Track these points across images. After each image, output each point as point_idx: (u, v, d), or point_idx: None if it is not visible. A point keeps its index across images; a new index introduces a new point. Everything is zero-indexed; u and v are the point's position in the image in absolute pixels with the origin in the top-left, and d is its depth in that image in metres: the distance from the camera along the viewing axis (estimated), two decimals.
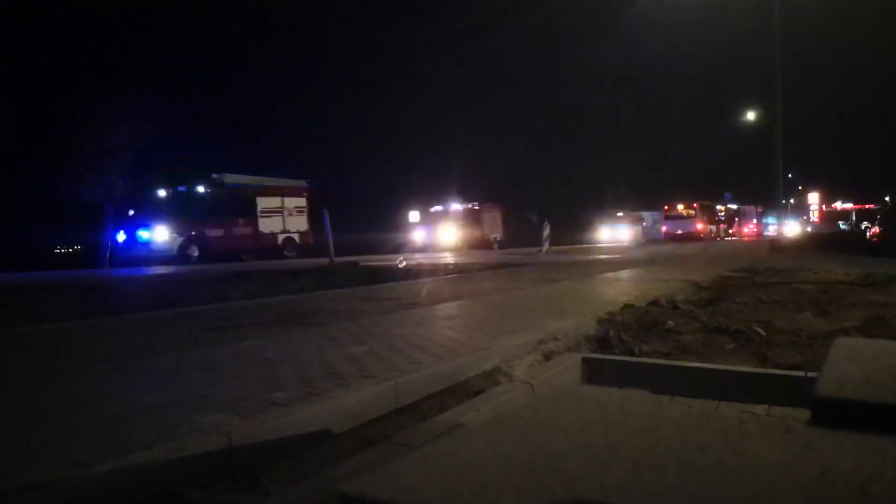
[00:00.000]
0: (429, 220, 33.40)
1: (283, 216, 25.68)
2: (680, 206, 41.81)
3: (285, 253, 24.79)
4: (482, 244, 32.13)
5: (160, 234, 21.45)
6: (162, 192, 23.34)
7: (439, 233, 31.49)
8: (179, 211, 21.96)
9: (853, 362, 1.34)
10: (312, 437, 2.32)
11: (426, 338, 3.93)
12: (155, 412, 2.32)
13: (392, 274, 11.39)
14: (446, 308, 5.58)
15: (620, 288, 7.36)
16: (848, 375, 1.24)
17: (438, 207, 33.76)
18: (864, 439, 0.89)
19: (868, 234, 24.30)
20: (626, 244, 31.47)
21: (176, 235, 21.53)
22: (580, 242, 34.10)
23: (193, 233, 21.97)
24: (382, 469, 0.87)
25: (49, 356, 3.68)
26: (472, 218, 33.26)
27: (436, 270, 12.19)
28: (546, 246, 20.09)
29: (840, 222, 61.16)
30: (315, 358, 3.34)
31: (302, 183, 26.98)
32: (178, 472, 1.93)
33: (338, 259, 14.65)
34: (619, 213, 41.75)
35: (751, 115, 33.50)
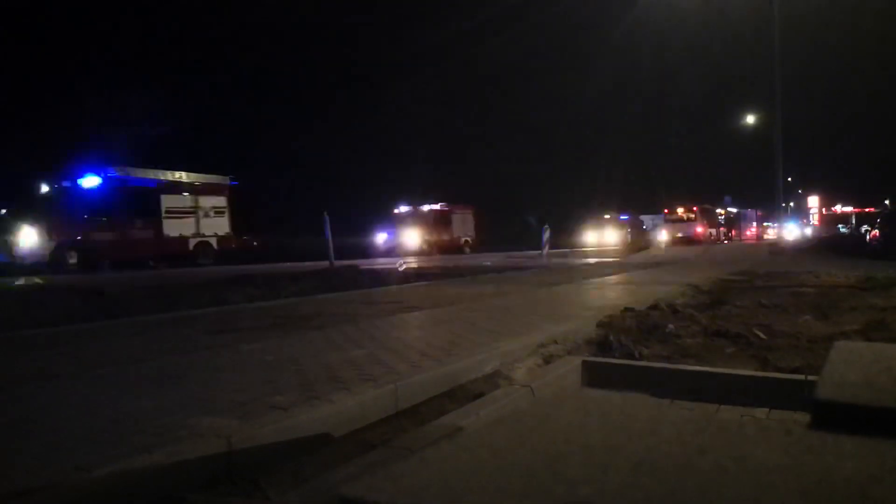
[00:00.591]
0: (393, 221, 30.81)
1: (197, 217, 22.11)
2: (680, 210, 41.81)
3: (199, 260, 21.52)
4: (451, 247, 30.32)
5: (28, 238, 18.14)
6: (44, 189, 20.26)
7: (404, 235, 29.10)
8: (58, 210, 18.76)
9: (853, 366, 1.34)
10: (312, 440, 2.32)
11: (426, 341, 3.93)
12: (154, 415, 2.32)
13: (391, 277, 11.40)
14: (446, 311, 5.58)
15: (620, 291, 7.36)
16: (848, 379, 1.24)
17: (404, 208, 31.27)
18: (864, 442, 0.89)
19: (868, 237, 24.30)
20: (614, 248, 29.21)
21: (49, 239, 18.19)
22: (564, 246, 31.00)
23: (77, 236, 18.76)
24: (382, 472, 0.87)
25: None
26: (439, 219, 31.20)
27: (435, 274, 12.19)
28: (546, 249, 20.09)
29: (840, 225, 61.18)
30: (315, 361, 3.34)
31: (223, 179, 23.49)
32: (178, 476, 1.92)
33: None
34: (606, 216, 39.64)
35: (751, 119, 33.59)
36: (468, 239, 32.68)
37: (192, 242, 22.02)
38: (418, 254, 26.92)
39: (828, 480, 0.78)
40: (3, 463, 1.86)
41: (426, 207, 31.33)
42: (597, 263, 15.47)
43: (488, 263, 16.52)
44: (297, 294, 8.10)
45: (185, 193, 22.07)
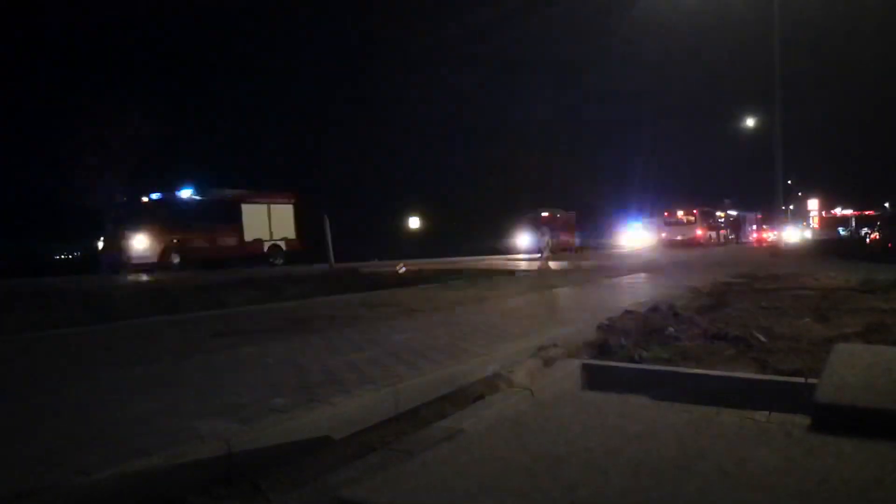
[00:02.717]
0: (121, 216, 19.68)
1: None
2: (680, 212, 41.80)
3: None
4: (240, 255, 20.00)
5: None
6: None
7: (138, 239, 18.32)
8: None
9: (853, 368, 1.34)
10: (312, 443, 2.32)
11: (426, 343, 3.93)
12: (155, 418, 2.32)
13: (391, 280, 11.40)
14: (445, 314, 5.58)
15: (620, 294, 7.36)
16: (848, 381, 1.24)
17: (154, 196, 20.36)
18: (864, 444, 0.89)
19: (868, 240, 24.33)
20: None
21: None
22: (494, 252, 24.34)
23: None
24: (382, 475, 0.87)
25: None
26: (213, 213, 20.13)
27: (434, 277, 12.19)
28: (546, 253, 20.05)
29: (840, 228, 61.20)
30: (315, 363, 3.34)
31: None
32: (178, 479, 1.92)
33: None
34: (544, 213, 31.81)
35: (751, 122, 33.64)
36: (279, 243, 22.46)
37: None
38: (163, 266, 17.68)
39: (828, 482, 0.78)
40: (3, 465, 1.85)
41: (186, 194, 20.30)
42: (596, 266, 15.47)
43: (495, 266, 16.51)
44: (298, 297, 8.10)
45: None
